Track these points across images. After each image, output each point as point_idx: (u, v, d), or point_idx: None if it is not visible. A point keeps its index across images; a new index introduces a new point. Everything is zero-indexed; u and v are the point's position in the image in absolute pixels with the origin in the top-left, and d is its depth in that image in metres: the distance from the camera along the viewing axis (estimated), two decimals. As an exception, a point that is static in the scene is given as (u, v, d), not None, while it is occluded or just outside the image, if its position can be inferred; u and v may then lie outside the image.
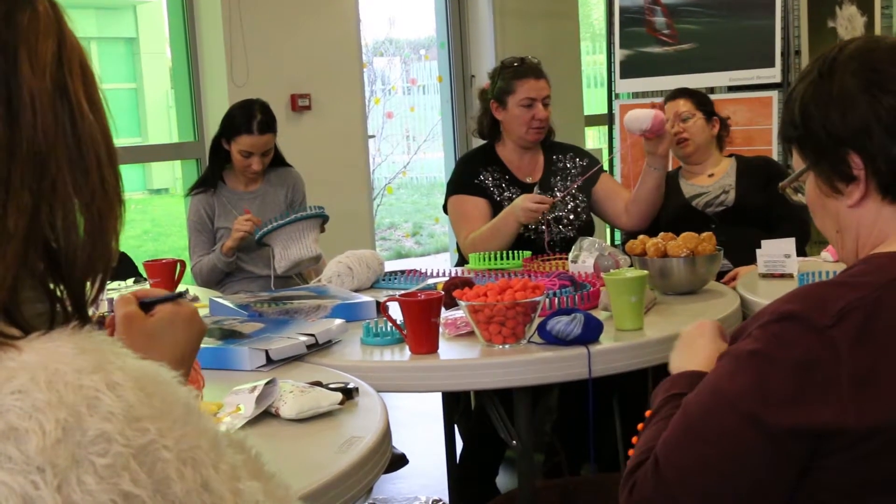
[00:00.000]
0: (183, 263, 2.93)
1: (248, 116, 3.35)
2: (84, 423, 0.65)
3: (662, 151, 3.10)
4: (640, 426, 1.25)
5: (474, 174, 3.33)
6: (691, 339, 1.36)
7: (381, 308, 2.17)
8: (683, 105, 3.41)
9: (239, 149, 3.36)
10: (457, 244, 3.50)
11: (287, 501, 0.87)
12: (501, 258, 3.09)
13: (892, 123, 1.12)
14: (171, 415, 0.69)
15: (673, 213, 3.34)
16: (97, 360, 0.68)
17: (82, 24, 0.82)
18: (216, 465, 0.70)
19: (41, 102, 0.73)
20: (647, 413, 1.26)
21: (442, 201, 3.48)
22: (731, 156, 3.47)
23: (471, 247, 3.19)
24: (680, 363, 1.34)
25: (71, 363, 0.67)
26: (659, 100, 3.39)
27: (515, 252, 3.09)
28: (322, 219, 3.31)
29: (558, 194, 3.26)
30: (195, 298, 2.88)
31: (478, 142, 3.59)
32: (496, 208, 3.26)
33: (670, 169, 3.70)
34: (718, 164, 3.43)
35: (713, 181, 3.38)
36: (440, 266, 3.19)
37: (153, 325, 1.07)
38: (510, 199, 3.27)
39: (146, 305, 1.11)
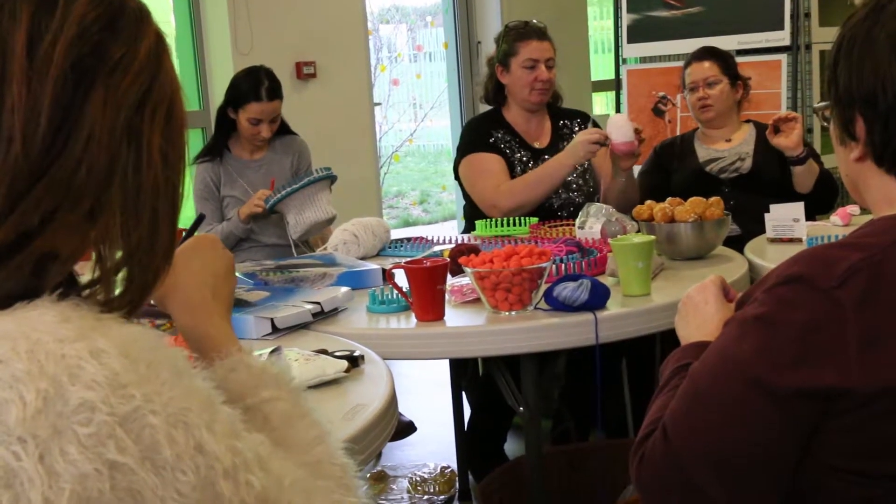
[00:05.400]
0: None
1: (255, 84, 3.33)
2: (66, 393, 0.63)
3: (625, 167, 3.08)
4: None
5: (486, 134, 3.30)
6: (698, 306, 1.34)
7: (387, 275, 2.16)
8: (710, 69, 3.34)
9: (248, 116, 3.34)
10: (464, 209, 3.48)
11: (318, 441, 0.85)
12: (508, 224, 3.08)
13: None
14: (158, 378, 0.67)
15: (686, 176, 3.32)
16: (80, 328, 0.67)
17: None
18: (210, 425, 0.69)
19: (100, 141, 0.71)
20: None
21: (450, 169, 3.46)
22: (748, 121, 3.44)
23: (508, 193, 3.14)
24: (688, 333, 1.33)
25: (53, 332, 0.66)
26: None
27: (522, 218, 3.08)
28: (331, 179, 3.31)
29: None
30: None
31: (485, 108, 3.57)
32: (509, 167, 3.24)
33: (679, 132, 3.67)
34: (737, 129, 3.39)
35: (730, 147, 3.34)
36: (447, 233, 3.18)
37: (177, 254, 1.05)
38: (521, 161, 3.25)
39: None
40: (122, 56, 0.73)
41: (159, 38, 0.77)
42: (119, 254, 0.75)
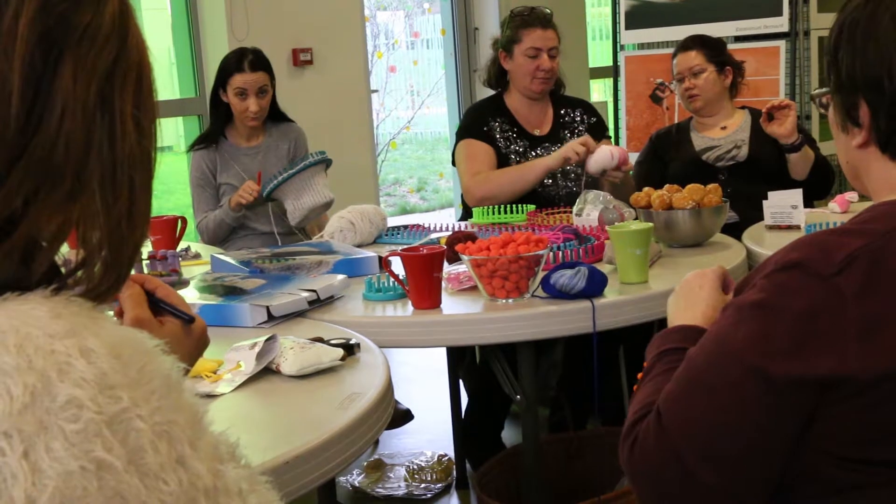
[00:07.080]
0: (184, 220, 2.91)
1: (239, 57, 3.37)
2: (53, 389, 0.62)
3: (604, 178, 3.08)
4: (635, 388, 1.23)
5: (483, 122, 3.30)
6: (692, 289, 1.34)
7: (384, 263, 2.15)
8: (695, 58, 3.34)
9: (233, 89, 3.34)
10: (462, 197, 3.48)
11: None
12: (506, 212, 3.07)
13: None
14: (149, 385, 0.66)
15: (683, 165, 3.31)
16: (72, 325, 0.65)
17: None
18: (193, 442, 0.67)
19: (74, 115, 0.68)
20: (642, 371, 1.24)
21: (447, 156, 3.46)
22: (743, 108, 3.43)
23: (483, 182, 3.14)
24: (675, 312, 1.33)
25: (44, 327, 0.64)
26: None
27: (519, 206, 3.07)
28: (326, 163, 3.30)
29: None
30: (197, 255, 2.87)
31: (482, 95, 3.55)
32: (501, 159, 3.23)
33: (677, 119, 3.66)
34: (731, 116, 3.38)
35: (725, 134, 3.33)
36: (444, 221, 3.17)
37: (165, 337, 1.05)
38: (516, 153, 3.25)
39: (155, 305, 1.12)
40: (88, 24, 0.70)
41: (123, 1, 0.74)
42: (99, 231, 0.73)
